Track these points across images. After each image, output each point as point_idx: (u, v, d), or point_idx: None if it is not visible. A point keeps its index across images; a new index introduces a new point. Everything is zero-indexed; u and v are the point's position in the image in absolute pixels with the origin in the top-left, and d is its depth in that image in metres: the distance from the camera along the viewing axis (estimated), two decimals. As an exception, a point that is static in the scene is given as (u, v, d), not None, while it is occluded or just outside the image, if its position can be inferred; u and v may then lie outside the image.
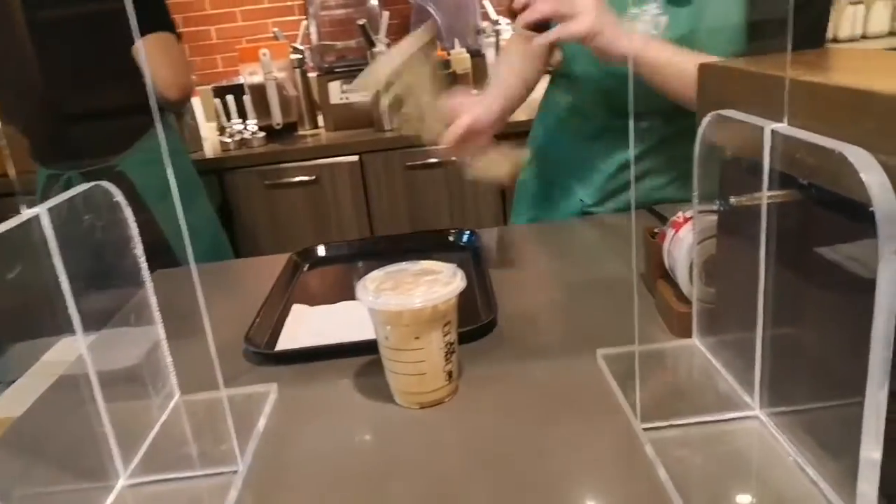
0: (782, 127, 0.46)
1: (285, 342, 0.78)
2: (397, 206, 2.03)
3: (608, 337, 0.70)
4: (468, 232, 1.03)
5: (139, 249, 0.60)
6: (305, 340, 0.77)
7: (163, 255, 1.44)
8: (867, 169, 0.37)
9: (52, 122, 1.43)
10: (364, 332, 0.74)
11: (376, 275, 0.65)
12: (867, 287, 0.39)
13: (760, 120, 0.49)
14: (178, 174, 1.73)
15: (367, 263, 1.00)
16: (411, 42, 0.81)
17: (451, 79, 1.94)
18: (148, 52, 1.34)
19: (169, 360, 0.65)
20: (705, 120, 0.56)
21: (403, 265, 0.67)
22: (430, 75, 0.82)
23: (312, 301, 0.89)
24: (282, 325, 0.82)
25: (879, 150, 0.38)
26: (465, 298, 0.81)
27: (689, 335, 0.68)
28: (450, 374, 0.63)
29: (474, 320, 0.75)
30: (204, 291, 1.04)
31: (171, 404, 0.66)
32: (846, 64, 0.52)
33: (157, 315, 0.64)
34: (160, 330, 0.64)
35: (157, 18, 1.37)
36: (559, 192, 1.18)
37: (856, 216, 0.39)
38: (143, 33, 1.35)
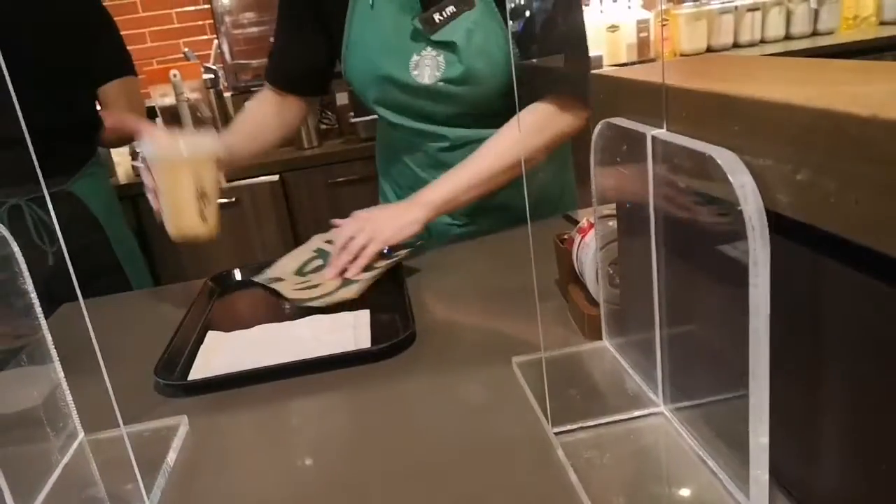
0: (661, 133, 0.48)
1: (198, 372, 0.75)
2: (323, 224, 2.00)
3: (524, 344, 0.71)
4: (386, 248, 1.03)
5: (29, 286, 0.57)
6: (219, 368, 0.75)
7: (115, 275, 1.47)
8: (734, 170, 0.39)
9: None
10: (280, 356, 0.73)
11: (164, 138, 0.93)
12: (743, 283, 0.41)
13: (643, 126, 0.51)
14: (113, 197, 1.69)
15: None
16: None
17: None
18: (114, 98, 1.47)
19: (69, 398, 0.62)
20: (597, 128, 0.58)
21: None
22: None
23: (229, 327, 0.87)
24: (195, 354, 0.80)
25: (745, 151, 0.40)
26: (384, 313, 0.82)
27: (599, 337, 0.70)
28: (202, 214, 0.87)
29: (393, 335, 0.75)
30: (119, 322, 1.00)
31: (74, 445, 0.62)
32: (721, 70, 0.55)
33: (53, 353, 0.61)
34: (58, 368, 0.61)
35: (121, 62, 1.49)
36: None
37: (729, 216, 0.41)
38: (110, 77, 1.45)
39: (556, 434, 0.55)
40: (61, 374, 0.61)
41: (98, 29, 1.43)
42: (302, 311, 0.88)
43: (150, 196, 0.94)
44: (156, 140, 0.87)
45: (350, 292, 0.87)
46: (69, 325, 1.00)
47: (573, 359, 0.68)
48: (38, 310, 0.59)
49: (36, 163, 0.44)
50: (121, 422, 0.53)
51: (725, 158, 0.40)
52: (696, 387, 0.53)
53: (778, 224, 0.38)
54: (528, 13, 0.98)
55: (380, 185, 1.29)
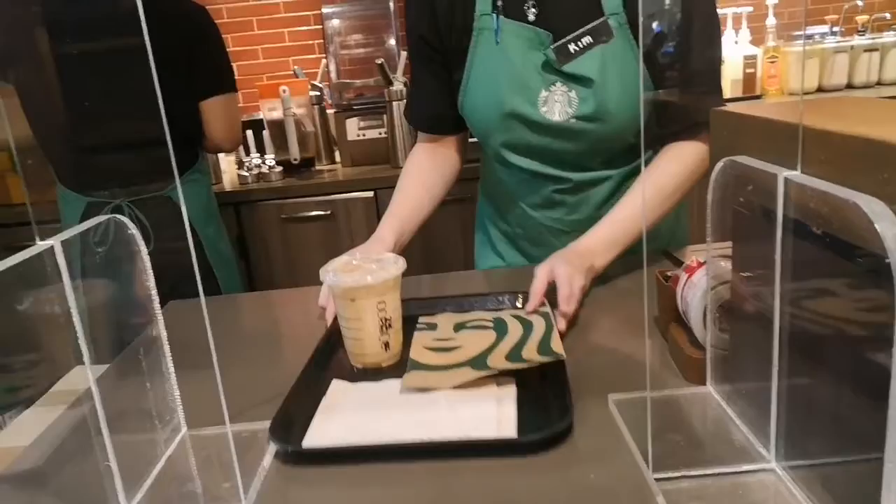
0: (796, 175, 0.46)
1: (315, 434, 0.64)
2: (412, 242, 2.03)
3: (620, 382, 0.69)
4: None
5: (151, 282, 0.61)
6: (337, 434, 0.64)
7: (207, 280, 1.55)
8: (882, 219, 0.37)
9: (101, 152, 1.49)
10: (408, 427, 0.64)
11: (343, 259, 0.83)
12: (884, 340, 0.38)
13: (773, 167, 0.48)
14: (214, 205, 1.78)
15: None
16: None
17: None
18: (213, 112, 1.55)
19: (177, 394, 0.65)
20: (718, 165, 0.56)
21: (369, 255, 0.84)
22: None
23: (353, 376, 0.78)
24: (315, 405, 0.70)
25: (894, 200, 0.37)
26: (534, 390, 0.73)
27: (702, 382, 0.67)
28: (386, 344, 0.78)
29: (544, 422, 0.63)
30: (223, 323, 1.05)
31: (178, 438, 0.65)
32: (860, 112, 0.52)
33: (166, 348, 0.64)
34: (169, 364, 0.64)
35: (222, 79, 1.57)
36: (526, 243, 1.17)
37: (871, 267, 0.38)
38: (210, 93, 1.53)
39: (657, 480, 0.53)
40: (171, 369, 0.64)
41: (202, 47, 1.51)
42: None
43: (328, 317, 0.91)
44: (338, 266, 0.80)
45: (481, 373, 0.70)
46: (175, 322, 1.06)
47: (674, 402, 0.65)
48: (157, 305, 0.62)
49: (173, 159, 0.46)
50: (227, 419, 0.54)
51: (873, 206, 0.37)
52: (816, 446, 0.49)
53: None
54: (666, 45, 0.95)
55: (479, 216, 1.27)
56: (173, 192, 1.50)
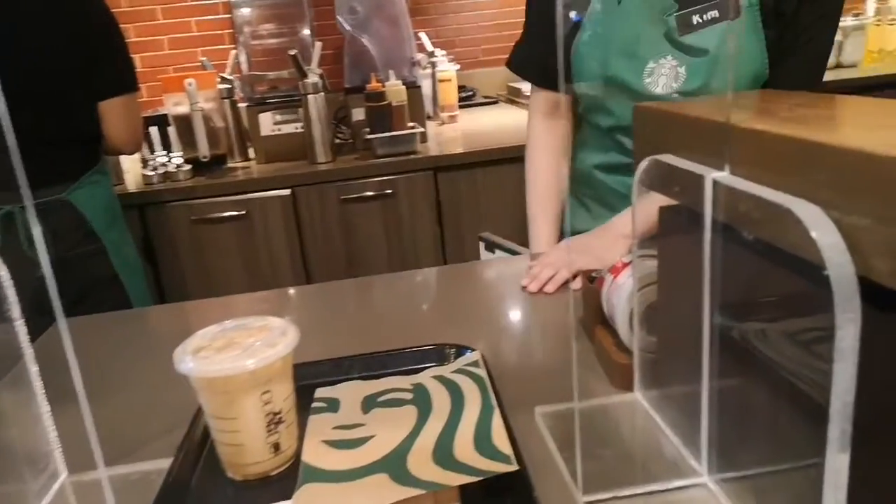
0: (724, 176, 0.43)
1: None
2: (333, 241, 1.96)
3: (548, 389, 0.66)
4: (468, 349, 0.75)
5: (16, 313, 0.52)
6: None
7: (112, 287, 1.44)
8: (817, 226, 0.34)
9: None
10: None
11: (211, 331, 0.59)
12: (820, 349, 0.36)
13: (701, 167, 0.45)
14: (117, 208, 1.65)
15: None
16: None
17: (386, 111, 1.89)
18: (112, 114, 1.43)
19: (52, 435, 0.57)
20: (642, 165, 0.53)
21: (247, 321, 0.61)
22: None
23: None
24: None
25: (832, 206, 0.35)
26: None
27: (630, 387, 0.65)
28: (276, 446, 0.57)
29: None
30: (126, 341, 0.95)
31: (55, 487, 0.57)
32: (794, 109, 0.50)
33: (37, 385, 0.55)
34: (40, 400, 0.56)
35: (122, 78, 1.45)
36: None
37: (807, 275, 0.36)
38: (111, 94, 1.42)
39: None
40: (44, 407, 0.56)
41: (101, 45, 1.40)
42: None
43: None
44: (201, 344, 0.57)
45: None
46: (76, 341, 0.96)
47: (602, 412, 0.62)
48: (24, 337, 0.54)
49: (20, 171, 0.39)
50: (101, 463, 0.47)
51: (808, 213, 0.34)
52: (749, 458, 0.47)
53: (869, 292, 0.33)
54: (786, 25, 0.90)
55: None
56: (72, 195, 1.39)
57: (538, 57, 1.11)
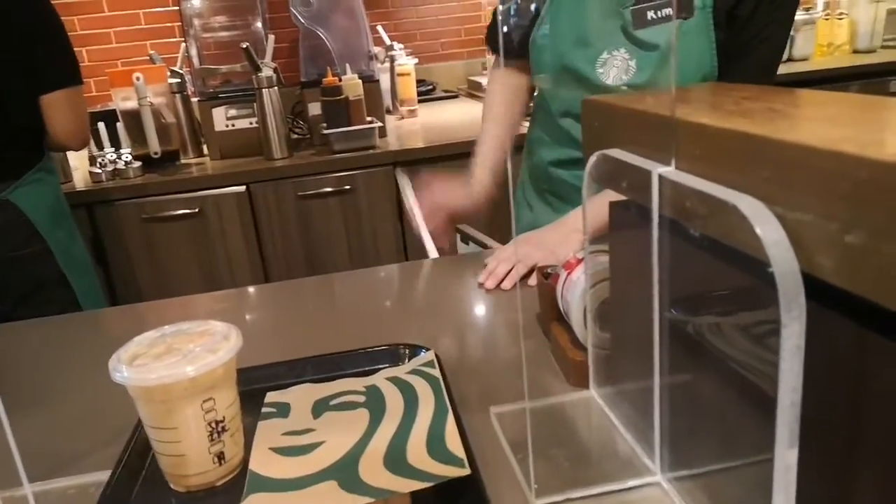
0: (670, 171, 0.42)
1: None
2: (291, 239, 1.92)
3: (504, 387, 0.65)
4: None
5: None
6: None
7: (59, 288, 1.39)
8: (762, 222, 0.33)
9: None
10: None
11: (149, 336, 0.56)
12: (768, 344, 0.35)
13: (647, 162, 0.45)
14: (62, 206, 1.58)
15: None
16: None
17: (343, 105, 1.86)
18: (56, 108, 1.37)
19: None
20: (591, 159, 0.52)
21: (187, 325, 0.58)
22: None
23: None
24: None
25: (776, 201, 0.34)
26: None
27: (585, 384, 0.64)
28: (220, 455, 0.54)
29: None
30: (69, 345, 0.91)
31: (-17, 506, 0.54)
32: (741, 103, 0.50)
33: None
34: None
35: (66, 70, 1.39)
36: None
37: (752, 271, 0.35)
38: (52, 87, 1.36)
39: (540, 506, 0.49)
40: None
41: (41, 36, 1.34)
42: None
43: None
44: (138, 351, 0.54)
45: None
46: (16, 347, 0.91)
47: (557, 411, 0.61)
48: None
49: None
50: (25, 480, 0.45)
51: (753, 209, 0.34)
52: (700, 454, 0.47)
53: (813, 287, 0.32)
54: (741, 28, 0.91)
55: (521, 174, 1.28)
56: (13, 194, 1.33)
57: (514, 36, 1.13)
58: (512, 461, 0.54)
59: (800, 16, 2.53)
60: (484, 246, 1.24)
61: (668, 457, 0.50)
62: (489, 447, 0.57)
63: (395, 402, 0.61)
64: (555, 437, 0.57)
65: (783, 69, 2.42)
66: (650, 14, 0.93)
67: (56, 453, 0.62)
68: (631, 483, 0.50)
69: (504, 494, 0.51)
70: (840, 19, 2.58)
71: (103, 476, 0.56)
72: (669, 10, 0.92)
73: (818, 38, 2.58)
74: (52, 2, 1.38)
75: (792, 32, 2.54)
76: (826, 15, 2.58)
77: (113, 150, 1.87)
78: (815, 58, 2.59)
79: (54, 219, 1.41)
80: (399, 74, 2.31)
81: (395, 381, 0.65)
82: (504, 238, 1.21)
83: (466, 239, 1.31)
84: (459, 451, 0.53)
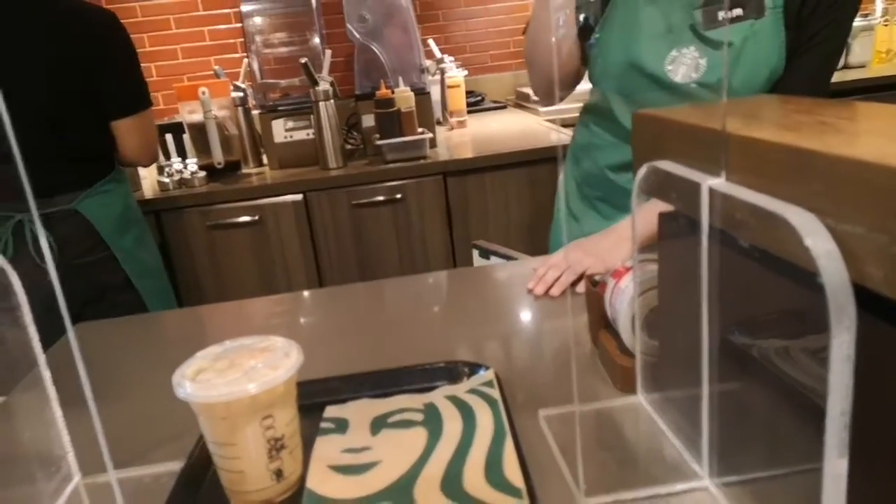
0: (720, 184, 0.43)
1: None
2: (344, 246, 1.97)
3: (553, 392, 0.67)
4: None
5: (27, 317, 0.54)
6: None
7: (125, 292, 1.48)
8: (812, 234, 0.35)
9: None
10: None
11: (212, 351, 0.57)
12: (816, 355, 0.36)
13: (697, 174, 0.46)
14: (131, 213, 1.66)
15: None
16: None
17: (395, 117, 1.91)
18: (126, 132, 1.46)
19: (65, 438, 0.58)
20: (641, 171, 0.54)
21: (249, 340, 0.58)
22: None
23: None
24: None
25: (826, 214, 0.35)
26: None
27: (633, 390, 0.65)
28: (278, 472, 0.55)
29: None
30: (137, 345, 0.97)
31: (69, 489, 0.58)
32: (792, 116, 0.50)
33: (51, 391, 0.57)
34: (53, 405, 0.57)
35: (136, 97, 1.47)
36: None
37: (802, 282, 0.36)
38: (123, 113, 1.45)
39: (589, 506, 0.50)
40: (57, 412, 0.58)
41: (111, 63, 1.42)
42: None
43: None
44: (202, 366, 0.55)
45: None
46: (86, 346, 0.98)
47: (605, 415, 0.63)
48: (36, 343, 0.56)
49: (26, 182, 0.40)
50: (110, 466, 0.48)
51: (803, 221, 0.35)
52: (749, 461, 0.47)
53: (864, 298, 0.33)
54: (801, 28, 0.92)
55: (560, 193, 1.27)
56: (81, 204, 1.41)
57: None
58: (560, 462, 0.56)
59: (857, 22, 2.47)
60: (508, 258, 1.24)
61: (715, 462, 0.50)
62: (539, 449, 0.58)
63: (453, 423, 0.61)
64: (603, 440, 0.58)
65: (839, 76, 2.36)
66: (721, 14, 0.95)
67: (129, 445, 0.66)
68: (679, 487, 0.51)
69: (553, 495, 0.52)
70: (901, 25, 2.50)
71: (175, 466, 0.60)
72: (740, 10, 0.94)
73: (876, 45, 2.51)
74: (124, 22, 1.46)
75: (849, 39, 2.47)
76: (885, 21, 2.51)
77: (179, 160, 1.96)
78: (873, 65, 2.52)
79: (121, 227, 1.48)
80: (449, 86, 2.35)
81: (453, 399, 0.65)
82: (528, 248, 1.22)
83: (486, 254, 1.30)
84: (518, 481, 0.52)
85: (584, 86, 1.16)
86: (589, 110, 1.18)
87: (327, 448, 0.60)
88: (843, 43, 0.97)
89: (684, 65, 0.98)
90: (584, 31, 1.08)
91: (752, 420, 0.46)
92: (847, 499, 0.36)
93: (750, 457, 0.47)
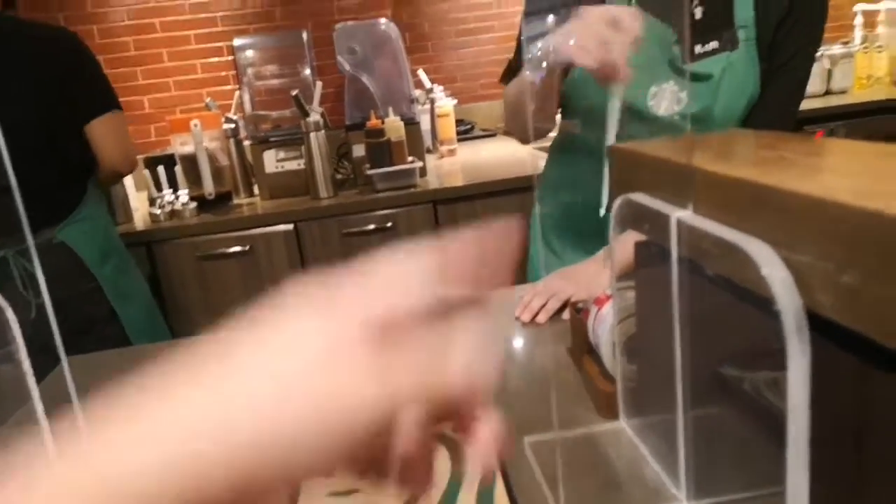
0: (687, 215, 0.45)
1: None
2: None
3: (538, 418, 0.68)
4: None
5: (22, 354, 0.55)
6: None
7: (111, 324, 1.45)
8: (768, 264, 0.37)
9: None
10: None
11: None
12: (777, 377, 0.38)
13: (667, 206, 0.48)
14: (111, 241, 1.63)
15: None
16: None
17: (385, 146, 1.94)
18: (101, 133, 1.44)
19: (58, 471, 0.59)
20: (616, 202, 0.56)
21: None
22: None
23: None
24: None
25: (781, 245, 0.37)
26: None
27: (615, 415, 0.66)
28: None
29: None
30: (129, 377, 0.97)
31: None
32: (754, 151, 0.53)
33: (44, 424, 0.58)
34: (48, 440, 0.58)
35: (106, 98, 1.46)
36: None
37: (762, 309, 0.38)
38: (94, 114, 1.43)
39: (571, 531, 0.51)
40: (51, 445, 0.58)
41: (78, 69, 1.41)
42: None
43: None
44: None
45: None
46: (75, 380, 0.98)
47: (588, 441, 0.64)
48: (30, 377, 0.57)
49: (22, 212, 0.41)
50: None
51: (760, 252, 0.37)
52: (723, 482, 0.49)
53: (817, 323, 0.35)
54: (774, 56, 0.96)
55: (535, 228, 1.27)
56: (63, 232, 1.39)
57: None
58: (544, 488, 0.57)
59: (837, 49, 2.53)
60: None
61: (692, 485, 0.52)
62: (523, 475, 0.59)
63: (441, 462, 0.60)
64: (585, 465, 0.60)
65: (822, 102, 2.41)
66: (697, 48, 0.98)
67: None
68: (658, 510, 0.52)
69: (537, 520, 0.53)
70: (879, 52, 2.57)
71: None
72: (716, 43, 0.98)
73: (857, 71, 2.57)
74: (116, 56, 1.47)
75: (829, 66, 2.54)
76: (865, 48, 2.58)
77: (171, 191, 1.98)
78: (855, 91, 2.57)
79: (102, 255, 1.46)
80: (439, 115, 2.39)
81: (442, 438, 0.63)
82: (520, 276, 1.23)
83: None
84: None
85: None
86: (563, 149, 1.19)
87: (313, 492, 0.58)
88: (810, 70, 1.01)
89: (666, 99, 1.01)
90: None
91: (725, 443, 0.48)
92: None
93: (724, 478, 0.48)
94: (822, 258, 0.35)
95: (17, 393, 0.57)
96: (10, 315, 0.53)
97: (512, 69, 1.19)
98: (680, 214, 0.46)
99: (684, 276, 0.47)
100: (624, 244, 0.60)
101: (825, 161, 0.45)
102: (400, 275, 0.28)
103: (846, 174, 0.39)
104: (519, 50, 1.15)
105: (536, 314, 0.95)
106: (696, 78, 0.99)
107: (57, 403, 0.57)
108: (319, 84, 2.02)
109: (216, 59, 2.48)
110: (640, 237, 0.57)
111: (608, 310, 0.69)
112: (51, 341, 0.56)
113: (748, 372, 0.43)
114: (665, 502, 0.53)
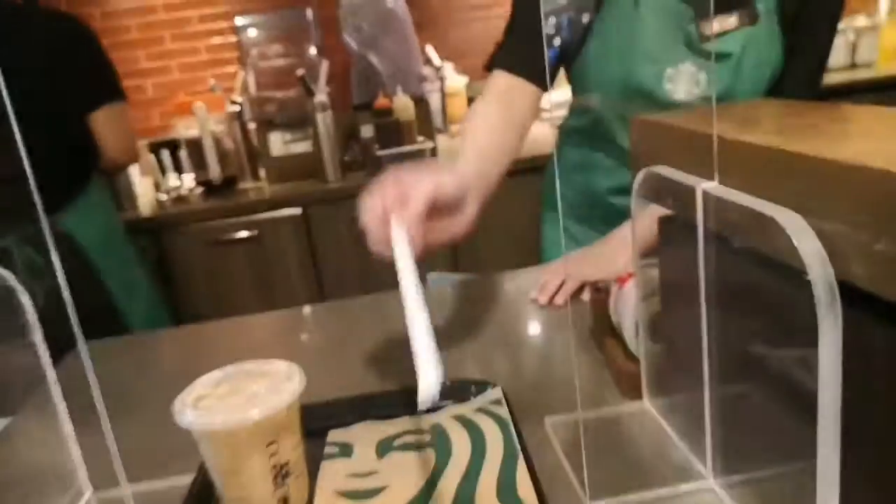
0: (713, 187, 0.44)
1: None
2: (345, 258, 1.98)
3: (559, 398, 0.67)
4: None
5: (38, 337, 0.55)
6: None
7: (109, 314, 1.43)
8: (800, 234, 0.35)
9: None
10: None
11: (212, 377, 0.56)
12: (808, 350, 0.37)
13: (692, 178, 0.47)
14: (113, 230, 1.62)
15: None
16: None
17: (394, 127, 1.92)
18: (104, 123, 1.43)
19: (76, 453, 0.59)
20: (639, 176, 0.55)
21: (250, 365, 0.57)
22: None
23: None
24: None
25: (811, 213, 0.36)
26: None
27: (639, 395, 0.66)
28: (284, 500, 0.53)
29: None
30: (138, 364, 0.97)
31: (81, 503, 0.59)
32: (779, 119, 0.51)
33: (61, 407, 0.58)
34: (65, 422, 0.58)
35: (109, 88, 1.45)
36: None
37: (793, 281, 0.37)
38: (99, 103, 1.42)
39: (595, 509, 0.51)
40: (68, 427, 0.58)
41: (80, 56, 1.40)
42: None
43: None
44: (202, 393, 0.54)
45: None
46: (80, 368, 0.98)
47: (611, 420, 0.63)
48: (46, 360, 0.56)
49: (38, 199, 0.40)
50: (123, 480, 0.49)
51: (790, 221, 0.36)
52: (751, 460, 0.48)
53: (849, 293, 0.34)
54: (796, 27, 0.92)
55: (548, 208, 1.27)
56: (64, 221, 1.38)
57: (527, 52, 0.99)
58: (566, 466, 0.56)
59: (862, 21, 2.48)
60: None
61: (719, 463, 0.51)
62: (545, 455, 0.59)
63: (461, 444, 0.59)
64: (609, 445, 0.59)
65: (846, 76, 2.37)
66: (716, 25, 0.94)
67: (140, 459, 0.67)
68: (683, 488, 0.51)
69: (560, 500, 0.53)
70: (905, 23, 2.51)
71: (187, 479, 0.60)
72: (734, 19, 0.94)
73: (882, 44, 2.51)
74: (119, 40, 1.46)
75: (853, 38, 2.49)
76: (890, 20, 2.52)
77: (176, 175, 1.97)
78: (880, 63, 2.52)
79: (105, 243, 1.45)
80: (449, 94, 2.36)
81: (461, 420, 0.63)
82: (534, 255, 1.22)
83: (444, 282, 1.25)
84: (533, 501, 0.51)
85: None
86: (579, 132, 1.15)
87: (333, 473, 0.58)
88: (832, 41, 0.97)
89: (683, 82, 0.96)
90: (565, 54, 1.02)
91: (754, 419, 0.47)
92: (841, 489, 0.37)
93: (752, 455, 0.48)
94: (855, 227, 0.33)
95: (33, 375, 0.57)
96: (26, 300, 0.53)
97: (505, 51, 1.02)
98: (706, 186, 0.45)
99: (710, 251, 0.46)
100: (646, 220, 0.59)
101: (855, 127, 0.43)
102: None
103: (879, 139, 0.37)
104: (511, 29, 1.04)
105: (553, 295, 0.94)
106: (715, 58, 0.95)
107: (69, 386, 0.57)
108: (326, 63, 2.00)
109: (219, 40, 2.46)
110: (662, 212, 0.55)
111: (630, 288, 0.68)
112: (54, 330, 0.56)
113: (777, 347, 0.42)
114: (691, 480, 0.52)
